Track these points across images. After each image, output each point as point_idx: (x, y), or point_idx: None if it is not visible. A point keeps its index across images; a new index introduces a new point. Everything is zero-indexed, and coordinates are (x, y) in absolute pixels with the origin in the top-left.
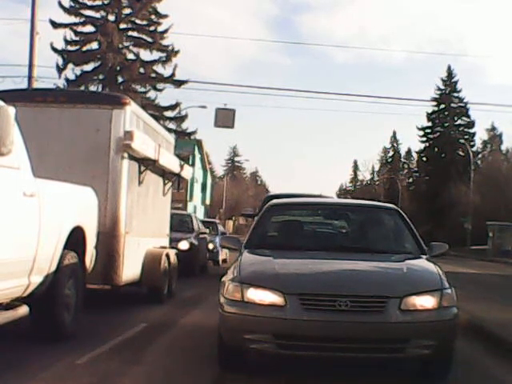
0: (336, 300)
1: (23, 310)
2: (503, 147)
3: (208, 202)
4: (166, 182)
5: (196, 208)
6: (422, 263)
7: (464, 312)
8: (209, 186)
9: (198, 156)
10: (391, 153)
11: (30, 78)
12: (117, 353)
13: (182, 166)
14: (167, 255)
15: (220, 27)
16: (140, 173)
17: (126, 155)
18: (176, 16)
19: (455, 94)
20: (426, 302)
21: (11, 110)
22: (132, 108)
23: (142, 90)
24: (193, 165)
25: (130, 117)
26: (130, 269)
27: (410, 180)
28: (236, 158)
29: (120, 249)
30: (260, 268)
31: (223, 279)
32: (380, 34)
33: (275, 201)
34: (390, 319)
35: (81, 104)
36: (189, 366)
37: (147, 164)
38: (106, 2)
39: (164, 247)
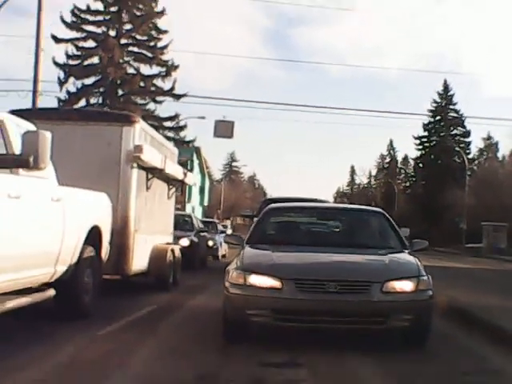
0: (325, 284)
1: (50, 292)
2: (499, 154)
3: (206, 203)
4: (171, 187)
5: (194, 209)
6: (403, 256)
7: (451, 298)
8: (207, 188)
9: (196, 162)
10: (388, 159)
11: (34, 92)
12: (132, 327)
13: (185, 174)
14: (172, 250)
15: (216, 40)
16: (148, 180)
17: (135, 165)
18: (174, 30)
19: (451, 107)
20: (405, 285)
21: (48, 135)
22: (141, 125)
23: (142, 102)
24: (191, 170)
25: (139, 132)
26: (138, 261)
27: (407, 184)
28: (234, 163)
29: (130, 244)
30: (260, 258)
31: (227, 268)
32: (375, 46)
33: (274, 204)
34: (372, 298)
35: (93, 122)
36: (196, 338)
37: (154, 172)
38: (107, 18)
39: (169, 243)
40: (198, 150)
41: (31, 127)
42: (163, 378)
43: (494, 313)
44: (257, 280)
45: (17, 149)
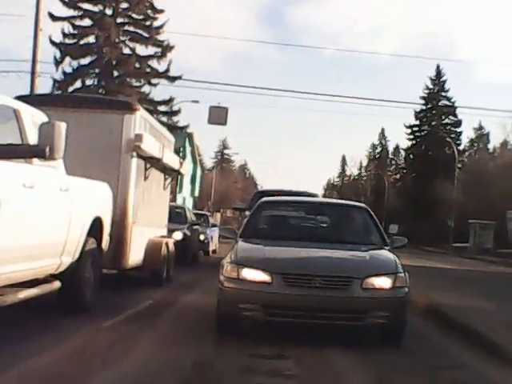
0: (312, 279)
1: (56, 284)
2: (490, 146)
3: (197, 193)
4: (167, 177)
5: (185, 200)
6: (383, 253)
7: (430, 298)
8: (198, 178)
9: (188, 149)
10: (379, 149)
11: (33, 73)
12: (133, 320)
13: (181, 164)
14: (166, 244)
15: (210, 19)
16: (146, 169)
17: (134, 154)
18: (168, 8)
19: (443, 94)
20: (383, 282)
21: (63, 125)
22: (141, 113)
23: (137, 84)
24: (184, 158)
25: (140, 121)
26: (135, 255)
27: (397, 176)
28: (225, 151)
29: (127, 236)
30: (252, 253)
31: (222, 262)
32: (370, 28)
33: (266, 198)
34: (353, 294)
35: (96, 109)
36: (191, 332)
37: (152, 162)
38: None
39: (164, 236)
40: (190, 137)
41: (43, 116)
42: (164, 365)
43: (467, 313)
44: (248, 274)
45: (30, 139)
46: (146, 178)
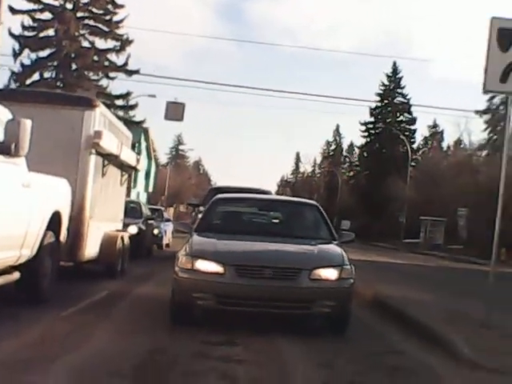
0: (262, 270)
1: (16, 275)
2: (444, 144)
3: (151, 189)
4: (124, 173)
5: (139, 195)
6: (331, 247)
7: (377, 291)
8: (152, 173)
9: (144, 144)
10: (333, 146)
11: None
12: (91, 309)
13: (138, 160)
14: (122, 238)
15: (170, 13)
16: (104, 166)
17: (93, 151)
18: (128, 3)
19: (399, 91)
20: (330, 273)
21: (29, 123)
22: (101, 109)
23: (95, 77)
24: (139, 153)
25: (99, 117)
26: (91, 248)
27: (351, 173)
28: (180, 147)
29: (84, 231)
30: (206, 246)
31: (177, 254)
32: (328, 25)
33: (221, 195)
34: (301, 285)
35: (57, 105)
36: (146, 320)
37: (110, 159)
38: None
39: (119, 230)
40: (146, 132)
41: (8, 114)
42: (120, 352)
43: (410, 305)
44: (202, 265)
45: None
46: (103, 175)
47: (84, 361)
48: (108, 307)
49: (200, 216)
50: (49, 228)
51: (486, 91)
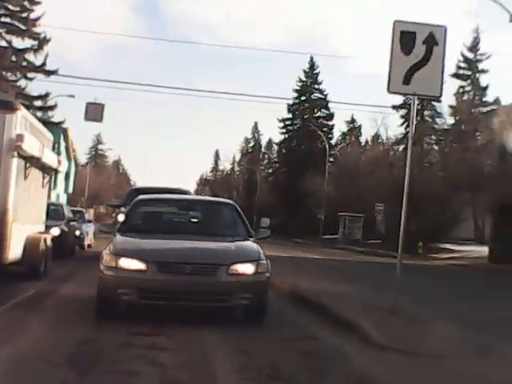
0: (183, 266)
1: None
2: (362, 139)
3: (71, 190)
4: (45, 175)
5: (59, 196)
6: (248, 243)
7: (294, 284)
8: (72, 174)
9: (63, 144)
10: (252, 143)
11: None
12: (20, 307)
13: (59, 162)
14: (45, 239)
15: (85, 9)
16: (26, 169)
17: (15, 154)
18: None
19: (316, 86)
20: (246, 268)
21: None
22: (22, 112)
23: (13, 78)
24: (59, 154)
25: (21, 120)
26: (14, 250)
27: (270, 171)
28: (100, 146)
29: (7, 234)
30: (129, 245)
31: (102, 253)
32: (245, 20)
33: (142, 196)
34: (220, 279)
35: None
36: (73, 316)
37: (32, 161)
38: None
39: (42, 232)
40: (65, 132)
41: None
42: (52, 344)
43: (324, 296)
44: (126, 263)
45: None
46: (25, 177)
47: (20, 352)
48: (36, 305)
49: (120, 216)
50: None
51: (390, 92)
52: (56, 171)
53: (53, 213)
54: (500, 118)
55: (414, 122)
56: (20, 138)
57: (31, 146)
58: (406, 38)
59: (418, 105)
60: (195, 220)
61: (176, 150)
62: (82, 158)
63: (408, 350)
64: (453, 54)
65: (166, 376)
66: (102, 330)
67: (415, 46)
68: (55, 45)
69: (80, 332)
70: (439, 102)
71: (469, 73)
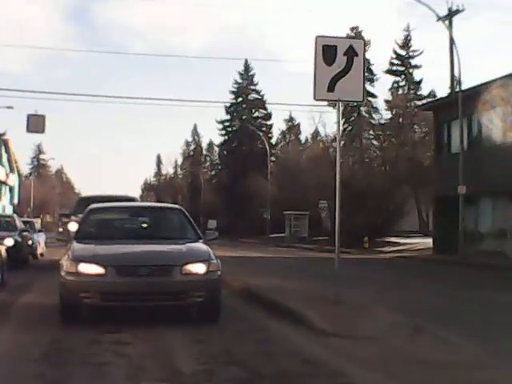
0: (139, 269)
1: None
2: (302, 137)
3: (16, 201)
4: None
5: (5, 208)
6: (198, 245)
7: (243, 282)
8: (16, 185)
9: (4, 156)
10: (193, 146)
11: None
12: None
13: (7, 175)
14: None
15: (17, 19)
16: None
17: None
18: None
19: (252, 87)
20: (198, 268)
21: None
22: None
23: None
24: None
25: None
26: None
27: (213, 173)
28: (41, 156)
29: None
30: (86, 251)
31: (61, 261)
32: (178, 26)
33: (94, 205)
34: (174, 279)
35: None
36: (40, 321)
37: None
38: None
39: None
40: (6, 144)
41: None
42: (27, 344)
43: (271, 291)
44: (85, 268)
45: None
46: None
47: (2, 354)
48: (0, 315)
49: (70, 225)
50: None
51: (316, 99)
52: (5, 184)
53: (5, 224)
54: None
55: (341, 127)
56: None
57: None
58: (327, 51)
59: (354, 102)
60: (146, 225)
61: (118, 156)
62: (24, 169)
63: (346, 334)
64: (385, 51)
65: (133, 364)
66: (69, 331)
67: (337, 57)
68: None
69: (49, 334)
70: (375, 97)
71: (402, 68)
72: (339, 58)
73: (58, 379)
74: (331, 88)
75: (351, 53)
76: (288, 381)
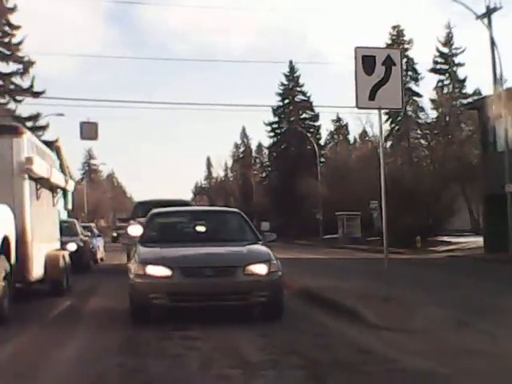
0: (204, 270)
1: None
2: (351, 137)
3: (70, 206)
4: (55, 194)
5: (60, 213)
6: (257, 246)
7: (301, 283)
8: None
9: (57, 162)
10: (242, 148)
11: None
12: (63, 319)
13: (66, 181)
14: (63, 256)
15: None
16: (37, 190)
17: (26, 177)
18: (24, 23)
19: (298, 89)
20: (260, 268)
21: None
22: (28, 136)
23: (2, 101)
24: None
25: (27, 143)
26: (36, 269)
27: (263, 175)
28: (92, 161)
29: (29, 253)
30: (152, 253)
31: (129, 265)
32: (219, 27)
33: (156, 210)
34: (237, 280)
35: None
36: (112, 322)
37: (42, 182)
38: None
39: (59, 249)
40: (58, 150)
41: None
42: (105, 340)
43: (328, 290)
44: (152, 270)
45: None
46: (38, 198)
47: (79, 352)
48: (74, 317)
49: (130, 229)
50: (0, 252)
51: (359, 108)
52: (64, 190)
53: (66, 229)
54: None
55: (388, 127)
56: (29, 160)
57: (40, 168)
58: (367, 61)
59: (394, 109)
60: (207, 229)
61: (168, 160)
62: (76, 174)
63: (397, 328)
64: (426, 48)
65: (204, 356)
66: (141, 330)
67: (376, 67)
68: (42, 64)
69: (122, 332)
70: (420, 96)
71: (446, 67)
72: (378, 68)
73: (138, 368)
74: (372, 97)
75: (389, 62)
76: (345, 367)
